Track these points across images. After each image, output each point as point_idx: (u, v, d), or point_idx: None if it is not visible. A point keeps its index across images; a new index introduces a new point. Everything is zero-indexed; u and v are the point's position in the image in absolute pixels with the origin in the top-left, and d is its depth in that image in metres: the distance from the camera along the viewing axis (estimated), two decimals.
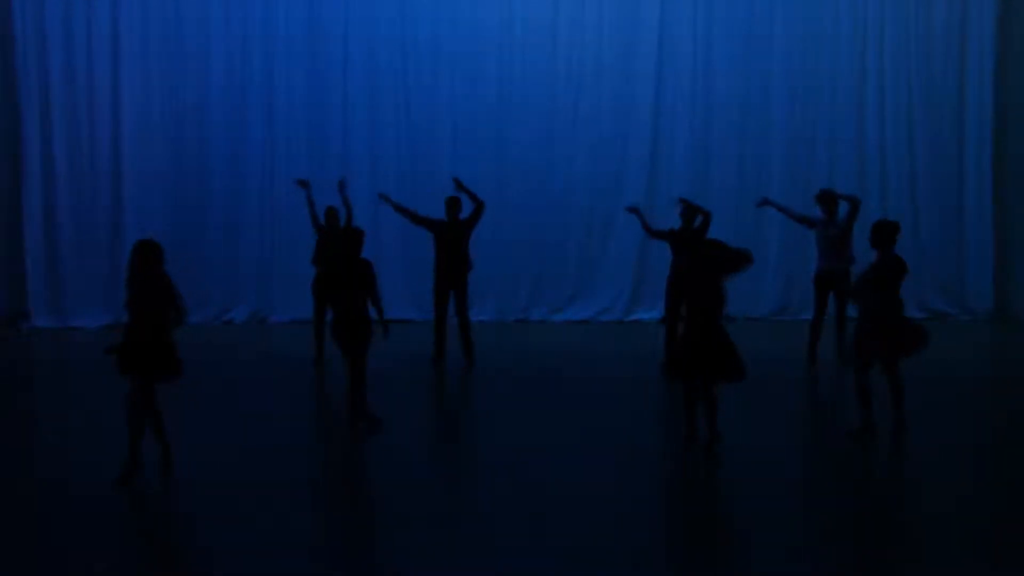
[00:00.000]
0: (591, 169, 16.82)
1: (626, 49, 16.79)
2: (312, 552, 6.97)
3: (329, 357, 11.89)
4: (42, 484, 8.31)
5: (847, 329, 11.42)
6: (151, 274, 8.24)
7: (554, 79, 16.74)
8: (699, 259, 8.80)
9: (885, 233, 9.45)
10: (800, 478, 8.72)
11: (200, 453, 8.89)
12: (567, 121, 16.81)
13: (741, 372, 8.70)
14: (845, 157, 17.12)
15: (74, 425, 9.99)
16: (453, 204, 12.85)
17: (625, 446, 9.29)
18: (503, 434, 9.88)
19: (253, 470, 8.61)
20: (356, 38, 16.43)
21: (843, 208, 12.64)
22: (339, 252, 9.79)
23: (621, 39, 16.79)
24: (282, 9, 16.32)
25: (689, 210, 12.57)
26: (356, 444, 9.43)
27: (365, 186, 16.47)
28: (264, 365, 13.16)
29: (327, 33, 16.40)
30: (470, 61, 16.49)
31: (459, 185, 13.03)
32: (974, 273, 17.15)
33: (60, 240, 16.02)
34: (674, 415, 10.58)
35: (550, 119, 16.74)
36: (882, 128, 17.18)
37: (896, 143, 17.18)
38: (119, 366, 8.24)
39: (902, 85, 17.16)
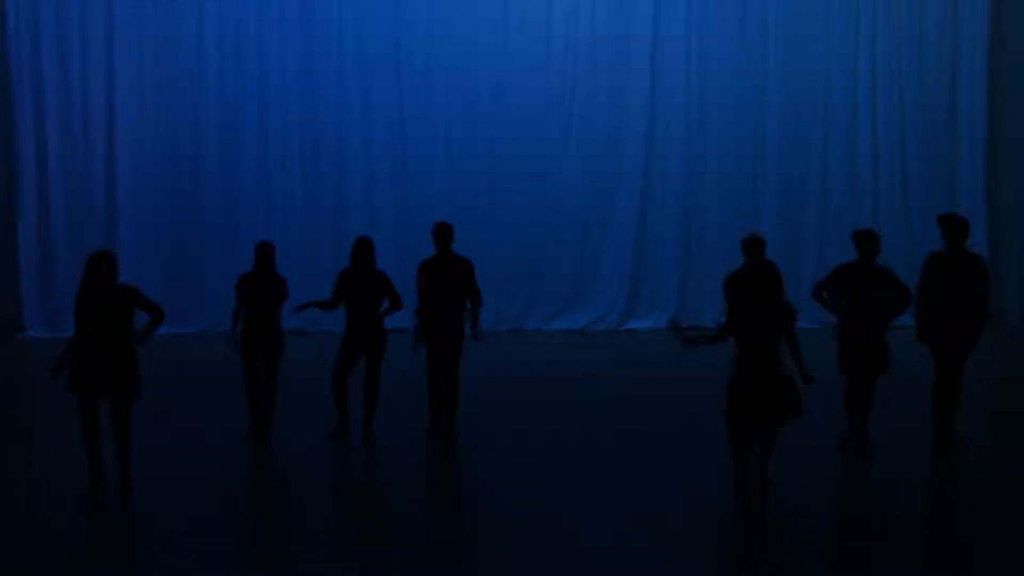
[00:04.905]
0: (585, 176, 16.79)
1: (620, 55, 16.73)
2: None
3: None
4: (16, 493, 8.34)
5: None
6: (113, 287, 8.14)
7: (548, 87, 16.68)
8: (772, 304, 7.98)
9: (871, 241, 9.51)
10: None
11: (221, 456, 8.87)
12: (561, 128, 16.75)
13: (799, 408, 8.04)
14: (838, 158, 17.13)
15: (58, 437, 9.92)
16: (439, 232, 10.30)
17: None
18: (511, 450, 9.88)
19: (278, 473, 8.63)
20: (350, 42, 16.32)
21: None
22: (353, 263, 9.86)
23: (614, 45, 16.71)
24: (275, 10, 16.23)
25: (755, 244, 9.69)
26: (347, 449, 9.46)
27: (359, 193, 16.49)
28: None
29: (321, 35, 16.25)
30: (464, 70, 16.41)
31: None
32: None
33: (54, 250, 16.01)
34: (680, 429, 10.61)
35: (544, 127, 16.68)
36: (874, 129, 17.18)
37: (889, 144, 17.17)
38: (86, 386, 8.07)
39: (895, 86, 17.17)
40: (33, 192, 16.04)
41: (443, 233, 10.26)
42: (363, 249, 9.90)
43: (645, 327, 16.67)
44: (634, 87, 16.79)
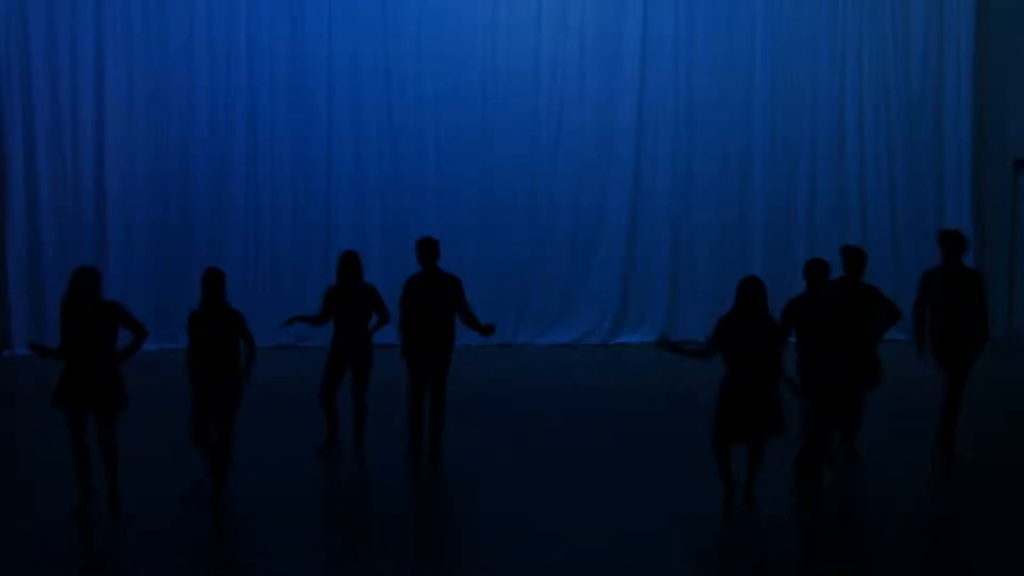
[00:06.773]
0: (574, 189, 16.81)
1: (608, 69, 16.79)
2: None
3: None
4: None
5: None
6: (96, 303, 8.10)
7: (536, 102, 16.69)
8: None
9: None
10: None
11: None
12: (550, 142, 16.78)
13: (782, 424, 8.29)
14: (826, 165, 17.19)
15: (47, 454, 9.88)
16: (423, 248, 9.69)
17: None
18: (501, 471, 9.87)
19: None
20: (339, 56, 16.29)
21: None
22: (339, 278, 9.85)
23: (602, 60, 16.77)
24: (265, 24, 16.19)
25: (820, 270, 9.06)
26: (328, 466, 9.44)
27: (348, 208, 16.47)
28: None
29: (310, 53, 16.20)
30: (452, 85, 16.45)
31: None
32: None
33: (43, 268, 15.91)
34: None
35: (533, 141, 16.71)
36: (861, 139, 17.24)
37: (876, 153, 17.25)
38: (71, 401, 8.06)
39: (880, 94, 17.24)
40: (22, 211, 15.92)
41: (428, 248, 9.65)
42: (349, 264, 9.85)
43: (635, 341, 16.68)
44: (622, 98, 16.83)
